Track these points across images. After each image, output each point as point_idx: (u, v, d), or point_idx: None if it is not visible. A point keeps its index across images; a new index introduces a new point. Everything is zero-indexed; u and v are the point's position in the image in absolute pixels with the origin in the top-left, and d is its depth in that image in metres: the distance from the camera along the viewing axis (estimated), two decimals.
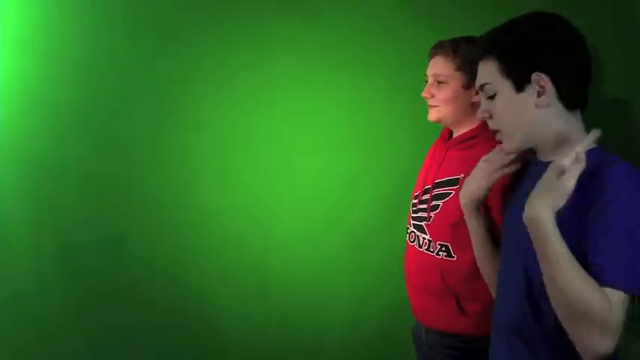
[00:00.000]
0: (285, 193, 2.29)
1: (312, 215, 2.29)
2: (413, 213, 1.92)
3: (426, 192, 1.86)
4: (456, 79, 1.80)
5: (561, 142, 1.28)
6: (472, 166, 1.73)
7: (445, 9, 2.14)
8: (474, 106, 1.82)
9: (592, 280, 1.10)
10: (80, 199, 2.30)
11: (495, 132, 1.35)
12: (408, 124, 2.18)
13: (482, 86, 1.33)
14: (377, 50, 2.20)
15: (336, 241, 2.28)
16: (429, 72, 1.86)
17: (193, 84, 2.26)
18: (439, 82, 1.82)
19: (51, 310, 2.33)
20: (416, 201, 1.91)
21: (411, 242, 1.92)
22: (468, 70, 1.79)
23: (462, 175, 1.77)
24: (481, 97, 1.36)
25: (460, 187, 1.73)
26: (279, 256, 2.31)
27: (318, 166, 2.27)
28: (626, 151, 1.41)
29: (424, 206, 1.85)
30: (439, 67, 1.82)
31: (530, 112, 1.27)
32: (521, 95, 1.27)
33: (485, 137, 1.77)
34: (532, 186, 1.24)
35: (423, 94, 1.86)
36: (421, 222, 1.86)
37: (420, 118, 2.01)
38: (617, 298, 1.09)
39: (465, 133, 1.83)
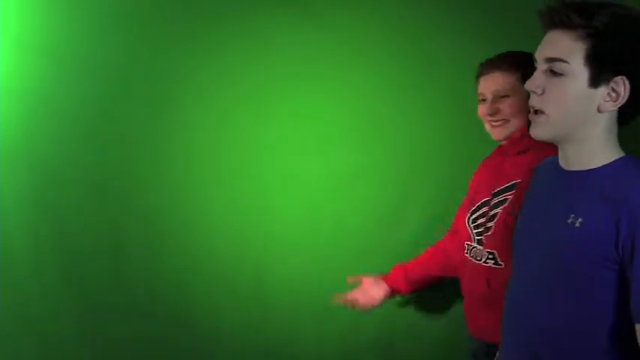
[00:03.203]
0: (285, 194, 2.27)
1: (313, 217, 2.27)
2: (475, 228, 1.86)
3: (484, 205, 1.84)
4: (520, 91, 1.76)
5: (594, 151, 1.19)
6: (526, 172, 1.69)
7: (446, 7, 2.12)
8: None
9: None
10: (80, 200, 2.29)
11: (534, 110, 1.22)
12: (410, 124, 2.16)
13: (551, 59, 1.17)
14: (377, 49, 2.17)
15: (336, 244, 2.26)
16: (487, 90, 1.83)
17: (194, 85, 2.24)
18: (501, 97, 1.81)
19: (51, 315, 2.32)
20: (475, 216, 1.87)
21: (469, 255, 1.88)
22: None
23: (519, 180, 1.75)
24: (538, 67, 1.20)
25: (516, 193, 1.74)
26: (279, 259, 2.29)
27: (319, 166, 2.25)
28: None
29: (483, 220, 1.83)
30: (500, 83, 1.80)
31: (588, 112, 1.16)
32: (591, 91, 1.14)
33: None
34: (550, 196, 1.20)
35: (487, 112, 1.82)
36: (481, 235, 1.83)
37: (422, 118, 2.01)
38: None
39: (514, 136, 1.81)
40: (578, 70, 1.14)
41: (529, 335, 1.24)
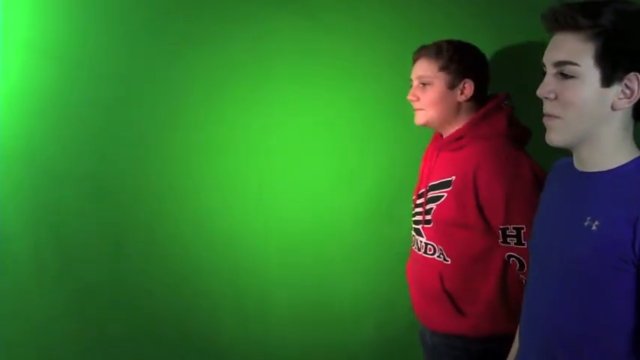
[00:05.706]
0: (284, 194, 2.26)
1: (311, 216, 2.26)
2: (413, 216, 1.95)
3: (421, 196, 1.89)
4: (440, 80, 1.82)
5: (609, 152, 1.18)
6: (462, 168, 1.75)
7: (444, 9, 2.10)
8: (460, 106, 1.84)
9: None
10: (80, 201, 2.28)
11: (548, 116, 1.20)
12: (409, 124, 2.12)
13: (560, 63, 1.16)
14: (377, 49, 2.16)
15: (335, 241, 2.26)
16: (414, 75, 1.88)
17: (194, 85, 2.24)
18: (424, 85, 1.85)
19: (50, 317, 2.31)
20: (414, 205, 1.95)
21: (412, 245, 1.95)
22: (452, 70, 1.81)
23: (454, 176, 1.77)
24: (548, 72, 1.20)
25: (452, 190, 1.76)
26: (279, 260, 2.28)
27: (318, 166, 2.25)
28: None
29: (420, 209, 1.88)
30: (423, 68, 1.84)
31: (603, 111, 1.15)
32: (604, 90, 1.14)
33: (472, 136, 1.80)
34: (566, 198, 1.20)
35: (409, 97, 1.88)
36: (419, 225, 1.89)
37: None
38: None
39: (453, 133, 1.84)
40: (589, 71, 1.14)
41: (548, 338, 1.23)
